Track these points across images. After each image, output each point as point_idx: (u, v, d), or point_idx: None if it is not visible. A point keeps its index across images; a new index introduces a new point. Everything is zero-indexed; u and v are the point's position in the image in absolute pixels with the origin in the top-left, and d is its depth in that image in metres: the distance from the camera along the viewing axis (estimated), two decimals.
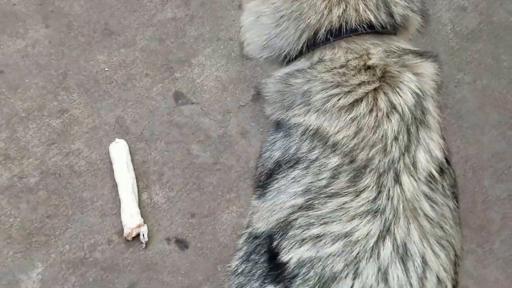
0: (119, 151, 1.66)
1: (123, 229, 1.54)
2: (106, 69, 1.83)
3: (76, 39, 1.85)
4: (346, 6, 0.91)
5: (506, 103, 1.83)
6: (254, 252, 0.90)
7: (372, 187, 0.81)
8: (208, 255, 1.56)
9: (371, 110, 0.85)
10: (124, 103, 1.79)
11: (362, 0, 0.91)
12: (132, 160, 1.67)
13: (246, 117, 1.79)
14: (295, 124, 0.92)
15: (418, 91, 0.87)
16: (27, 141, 1.71)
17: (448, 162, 0.89)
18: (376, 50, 0.91)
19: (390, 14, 0.92)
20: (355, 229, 0.78)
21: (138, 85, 1.82)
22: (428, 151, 0.85)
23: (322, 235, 0.79)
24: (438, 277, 0.77)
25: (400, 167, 0.82)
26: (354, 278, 0.76)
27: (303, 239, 0.81)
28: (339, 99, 0.87)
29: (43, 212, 1.60)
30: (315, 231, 0.80)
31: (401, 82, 0.87)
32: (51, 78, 1.80)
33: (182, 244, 1.55)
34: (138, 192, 1.61)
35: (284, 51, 0.99)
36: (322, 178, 0.84)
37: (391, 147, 0.83)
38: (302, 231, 0.82)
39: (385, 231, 0.78)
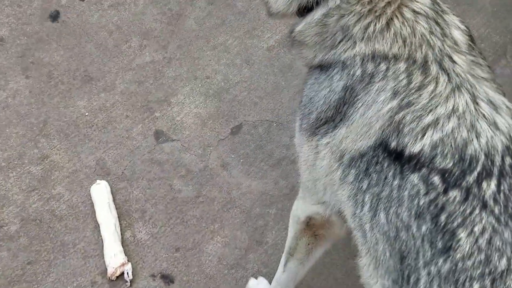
0: (100, 192, 1.65)
1: (106, 269, 1.50)
2: (87, 113, 1.86)
3: (56, 87, 1.89)
4: None
5: None
6: (369, 166, 1.00)
7: (441, 72, 0.98)
8: None
9: (403, 23, 1.01)
10: (105, 145, 1.81)
11: None
12: (114, 200, 1.66)
13: (226, 150, 1.81)
14: (347, 57, 1.03)
15: None
16: (7, 189, 1.70)
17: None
18: None
19: None
20: (456, 103, 0.95)
21: (118, 127, 1.85)
22: (458, 27, 1.05)
23: (436, 119, 0.94)
24: None
25: (447, 50, 1.00)
26: (477, 137, 0.92)
27: (423, 128, 0.94)
28: (376, 24, 1.01)
29: (24, 259, 1.56)
30: (428, 119, 0.95)
31: None
32: (31, 126, 1.82)
33: (167, 279, 1.51)
34: (121, 231, 1.59)
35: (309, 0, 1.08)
36: (402, 79, 0.98)
37: (432, 40, 1.00)
38: (417, 124, 0.95)
39: (473, 96, 0.96)
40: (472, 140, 0.92)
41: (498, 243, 0.85)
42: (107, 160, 1.77)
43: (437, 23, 1.02)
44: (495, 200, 0.88)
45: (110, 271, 1.49)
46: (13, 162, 1.75)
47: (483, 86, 0.98)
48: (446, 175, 0.91)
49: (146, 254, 1.57)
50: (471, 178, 0.90)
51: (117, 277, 1.49)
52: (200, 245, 1.58)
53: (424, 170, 0.92)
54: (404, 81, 0.97)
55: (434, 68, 0.98)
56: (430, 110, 0.94)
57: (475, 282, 0.83)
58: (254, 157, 1.81)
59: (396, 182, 0.95)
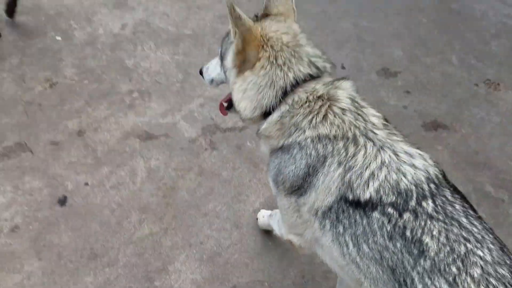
0: None
1: None
2: None
3: (65, 266, 2.09)
4: (295, 70, 1.48)
5: None
6: (338, 215, 1.36)
7: (367, 141, 1.37)
8: None
9: (334, 116, 1.43)
10: None
11: (300, 65, 1.49)
12: None
13: None
14: (301, 140, 1.44)
15: (349, 95, 1.48)
16: None
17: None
18: (319, 86, 1.47)
19: (317, 67, 1.51)
20: (383, 158, 1.34)
21: None
22: (374, 115, 1.44)
23: (372, 172, 1.32)
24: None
25: (369, 128, 1.40)
26: (404, 176, 1.30)
27: (366, 181, 1.32)
28: (316, 118, 1.44)
29: None
30: (366, 173, 1.32)
31: (339, 96, 1.46)
32: None
33: None
34: None
35: (268, 106, 1.50)
36: (342, 152, 1.37)
37: (357, 123, 1.41)
38: (361, 179, 1.33)
39: (394, 151, 1.35)
40: (402, 179, 1.30)
41: (453, 237, 1.19)
42: None
43: (358, 114, 1.44)
44: (437, 212, 1.24)
45: None
46: None
47: (400, 144, 1.38)
48: (395, 205, 1.27)
49: None
50: (413, 202, 1.26)
51: None
52: None
53: (379, 207, 1.29)
54: (344, 153, 1.37)
55: (362, 140, 1.38)
56: (366, 167, 1.33)
57: (452, 265, 1.15)
58: None
59: (365, 221, 1.31)
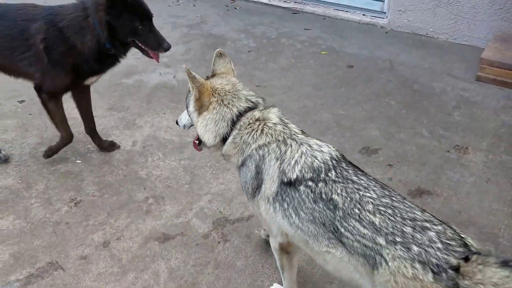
0: None
1: None
2: None
3: None
4: (237, 106, 2.09)
5: None
6: (282, 195, 1.90)
7: (292, 141, 1.98)
8: None
9: (268, 129, 2.03)
10: None
11: (240, 102, 2.10)
12: None
13: None
14: (250, 151, 2.02)
15: (277, 116, 2.09)
16: None
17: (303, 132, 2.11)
18: (256, 113, 2.08)
19: (252, 102, 2.13)
20: (301, 150, 1.95)
21: None
22: (296, 128, 2.09)
23: (296, 160, 1.91)
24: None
25: (293, 133, 2.02)
26: (316, 158, 1.91)
27: (293, 166, 1.90)
28: (256, 133, 2.03)
29: None
30: (293, 161, 1.91)
31: (270, 117, 2.07)
32: None
33: None
34: None
35: (225, 134, 2.09)
36: (277, 151, 1.96)
37: (284, 131, 2.03)
38: (289, 166, 1.91)
39: (309, 145, 1.98)
40: (314, 160, 1.89)
41: (349, 190, 1.75)
42: None
43: (285, 126, 2.05)
44: (337, 177, 1.81)
45: None
46: None
47: (313, 140, 2.00)
48: (312, 179, 1.84)
49: None
50: (323, 175, 1.83)
51: None
52: None
53: (303, 182, 1.85)
54: (278, 151, 1.95)
55: (289, 141, 1.98)
56: (293, 157, 1.91)
57: (354, 208, 1.70)
58: None
59: (297, 194, 1.85)
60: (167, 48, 3.00)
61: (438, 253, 1.51)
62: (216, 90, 2.10)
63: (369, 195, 1.71)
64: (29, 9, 3.08)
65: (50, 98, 3.14)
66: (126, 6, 2.85)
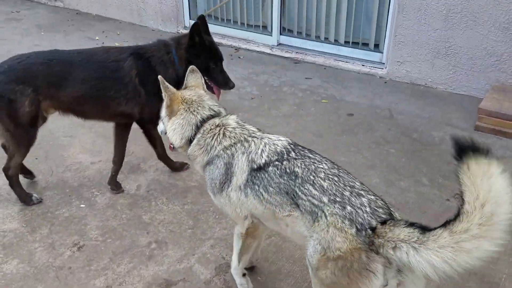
0: None
1: None
2: None
3: None
4: (201, 113, 2.46)
5: None
6: (253, 179, 2.27)
7: (253, 138, 2.38)
8: None
9: (230, 132, 2.40)
10: None
11: (204, 110, 2.49)
12: None
13: None
14: (218, 151, 2.37)
15: (235, 121, 2.47)
16: None
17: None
18: (216, 120, 2.44)
19: (214, 111, 2.50)
20: (264, 142, 2.38)
21: None
22: (252, 127, 2.48)
23: (261, 150, 2.31)
24: None
25: (251, 133, 2.41)
26: (277, 146, 2.33)
27: (260, 155, 2.29)
28: (219, 137, 2.39)
29: None
30: (259, 151, 2.31)
31: (229, 123, 2.44)
32: None
33: None
34: None
35: (190, 136, 2.45)
36: (242, 148, 2.34)
37: (243, 132, 2.41)
38: (256, 155, 2.29)
39: (269, 138, 2.39)
40: (277, 147, 2.29)
41: (307, 163, 2.18)
42: None
43: (243, 128, 2.42)
44: (297, 155, 2.23)
45: None
46: None
47: (269, 135, 2.39)
48: (278, 160, 2.23)
49: None
50: (286, 156, 2.24)
51: None
52: None
53: (271, 164, 2.23)
54: (243, 148, 2.32)
55: (250, 138, 2.35)
56: (258, 148, 2.30)
57: (310, 175, 2.12)
58: None
59: (266, 175, 2.22)
60: (232, 86, 3.58)
61: (365, 215, 1.93)
62: (184, 99, 2.47)
63: (322, 166, 2.16)
64: (113, 50, 3.38)
65: (154, 126, 3.27)
66: (204, 48, 3.41)
